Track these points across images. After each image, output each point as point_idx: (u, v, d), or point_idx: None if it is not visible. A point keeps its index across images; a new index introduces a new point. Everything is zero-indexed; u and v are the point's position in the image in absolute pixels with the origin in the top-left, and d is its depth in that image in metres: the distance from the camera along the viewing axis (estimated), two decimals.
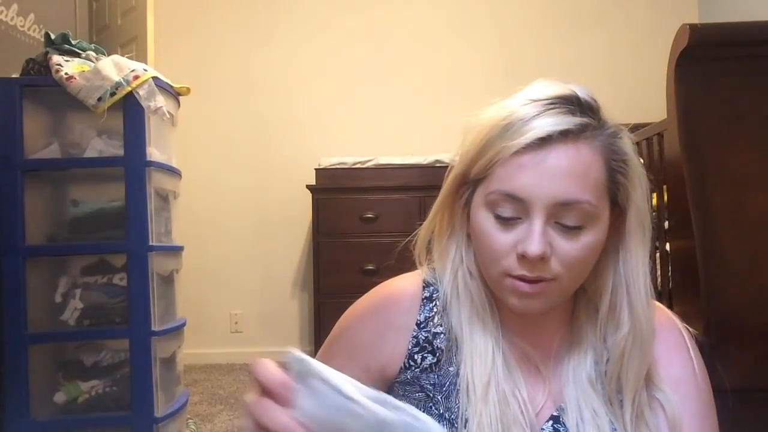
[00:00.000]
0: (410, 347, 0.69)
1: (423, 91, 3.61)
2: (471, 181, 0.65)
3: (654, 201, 1.80)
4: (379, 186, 3.13)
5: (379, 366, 0.70)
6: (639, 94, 3.38)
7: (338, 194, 3.15)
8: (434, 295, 0.72)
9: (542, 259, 0.59)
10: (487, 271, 0.65)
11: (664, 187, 1.63)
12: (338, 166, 3.24)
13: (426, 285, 0.73)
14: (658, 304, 0.74)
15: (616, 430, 0.64)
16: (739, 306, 1.33)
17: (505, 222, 0.61)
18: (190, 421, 2.23)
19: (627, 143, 0.64)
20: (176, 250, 2.02)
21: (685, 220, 1.37)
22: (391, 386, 0.71)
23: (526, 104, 0.61)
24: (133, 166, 1.76)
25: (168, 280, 1.93)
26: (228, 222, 3.63)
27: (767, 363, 1.31)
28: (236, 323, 3.62)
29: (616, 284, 0.66)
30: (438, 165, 3.12)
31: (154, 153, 1.82)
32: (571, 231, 0.60)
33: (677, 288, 1.52)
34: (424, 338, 0.69)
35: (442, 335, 0.69)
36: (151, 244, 1.77)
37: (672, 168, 1.47)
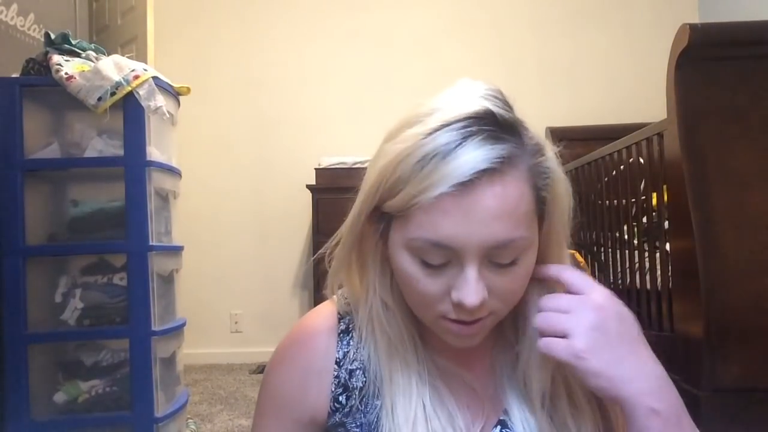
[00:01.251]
0: (333, 389, 0.64)
1: (423, 91, 3.57)
2: (385, 213, 0.58)
3: (654, 201, 1.80)
4: None
5: (309, 416, 0.65)
6: (639, 94, 3.39)
7: (338, 194, 3.15)
8: (350, 326, 0.66)
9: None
10: (418, 313, 0.60)
11: (664, 187, 1.63)
12: (338, 166, 3.24)
13: (341, 316, 0.67)
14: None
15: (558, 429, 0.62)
16: (739, 306, 1.33)
17: (434, 267, 0.55)
18: (190, 420, 2.23)
19: (551, 157, 0.58)
20: (176, 250, 2.02)
21: (685, 220, 1.37)
22: None
23: (438, 131, 0.53)
24: (133, 165, 1.76)
25: (168, 280, 1.93)
26: (228, 222, 3.63)
27: (767, 363, 1.31)
28: (236, 323, 3.62)
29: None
30: None
31: (154, 153, 1.82)
32: (506, 267, 0.55)
33: (677, 288, 1.52)
34: (344, 378, 0.65)
35: (358, 371, 0.64)
36: (151, 243, 1.77)
37: (672, 168, 1.47)
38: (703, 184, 1.36)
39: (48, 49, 1.79)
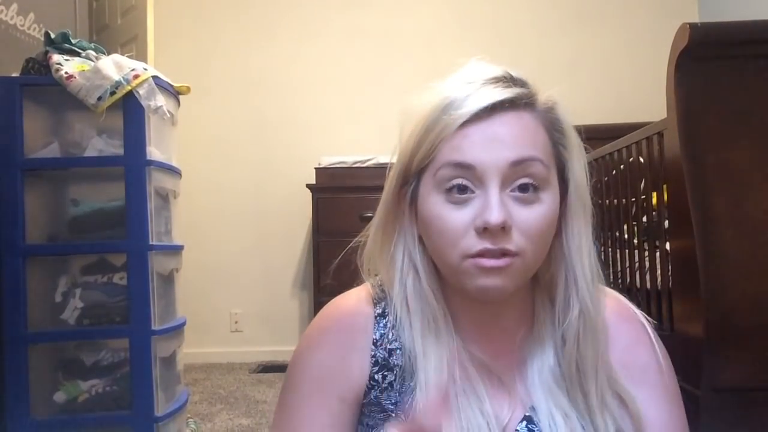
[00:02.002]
0: (370, 367, 0.67)
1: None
2: (413, 174, 0.64)
3: (654, 200, 1.80)
4: (379, 185, 3.04)
5: (353, 391, 0.67)
6: (639, 94, 3.39)
7: (338, 193, 3.16)
8: (386, 311, 0.68)
9: (503, 229, 0.57)
10: (444, 258, 0.61)
11: (664, 186, 1.63)
12: (338, 165, 3.24)
13: (377, 301, 0.69)
14: (616, 294, 0.72)
15: (584, 428, 0.62)
16: (739, 306, 1.33)
17: (459, 199, 0.59)
18: (190, 420, 2.23)
19: (563, 114, 0.64)
20: (176, 250, 2.02)
21: (685, 220, 1.37)
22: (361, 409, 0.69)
23: (461, 86, 0.61)
24: (133, 165, 1.76)
25: (168, 280, 1.93)
26: (228, 221, 3.63)
27: (767, 363, 1.31)
28: (236, 323, 3.62)
29: (565, 268, 0.64)
30: None
31: (154, 152, 1.82)
32: (527, 199, 0.59)
33: (677, 288, 1.52)
34: (382, 356, 0.67)
35: (398, 351, 0.66)
36: (151, 243, 1.77)
37: (672, 168, 1.47)
38: (703, 184, 1.36)
39: (48, 48, 1.79)
